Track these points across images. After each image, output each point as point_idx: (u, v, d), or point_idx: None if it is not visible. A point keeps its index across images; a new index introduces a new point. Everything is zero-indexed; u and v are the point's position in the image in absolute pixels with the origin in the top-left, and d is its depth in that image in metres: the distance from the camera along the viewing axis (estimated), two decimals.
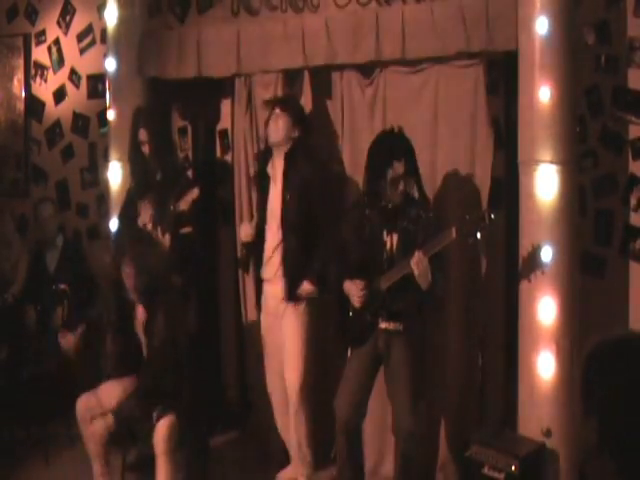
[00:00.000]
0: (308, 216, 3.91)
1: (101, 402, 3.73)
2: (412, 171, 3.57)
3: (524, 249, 3.54)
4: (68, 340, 3.85)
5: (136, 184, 4.32)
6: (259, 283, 4.23)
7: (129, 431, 3.78)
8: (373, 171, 3.59)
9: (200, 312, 4.85)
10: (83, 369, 4.50)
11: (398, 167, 3.50)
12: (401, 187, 3.52)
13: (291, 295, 3.95)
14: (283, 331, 4.03)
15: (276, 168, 4.03)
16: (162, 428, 3.55)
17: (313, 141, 4.11)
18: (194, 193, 3.98)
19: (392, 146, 3.57)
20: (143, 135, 4.17)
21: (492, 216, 3.37)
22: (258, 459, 4.46)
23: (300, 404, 3.99)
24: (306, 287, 3.96)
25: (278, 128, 3.96)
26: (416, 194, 3.66)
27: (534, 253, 3.48)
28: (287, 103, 4.06)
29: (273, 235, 4.02)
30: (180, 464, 3.68)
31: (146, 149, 4.17)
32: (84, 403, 3.73)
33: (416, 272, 3.41)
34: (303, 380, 3.97)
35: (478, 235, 3.38)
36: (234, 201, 4.64)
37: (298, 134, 3.97)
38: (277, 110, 3.98)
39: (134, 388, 3.73)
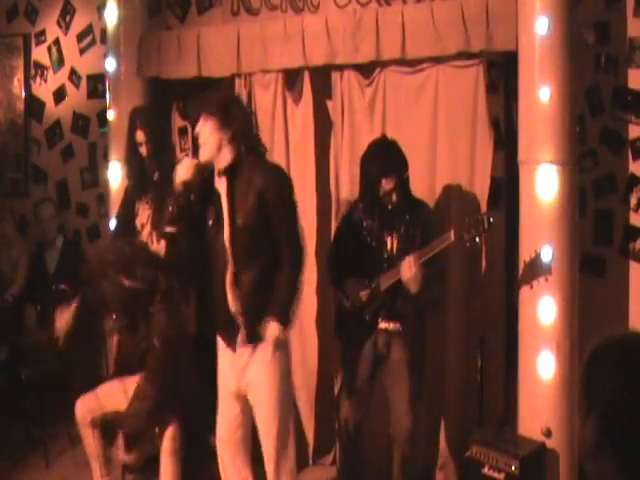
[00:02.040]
0: (266, 241, 3.20)
1: (101, 404, 3.72)
2: (404, 183, 3.55)
3: (526, 253, 3.53)
4: (63, 316, 3.80)
5: (133, 185, 4.31)
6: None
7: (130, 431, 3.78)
8: (365, 183, 3.59)
9: (198, 313, 4.85)
10: (83, 368, 4.51)
11: (387, 183, 3.49)
12: (393, 199, 3.52)
13: (253, 337, 3.24)
14: (249, 381, 3.30)
15: (220, 189, 3.26)
16: (169, 428, 3.56)
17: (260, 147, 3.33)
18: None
19: (382, 162, 3.52)
20: (140, 136, 4.14)
21: (491, 220, 3.36)
22: (258, 459, 4.45)
23: (280, 460, 3.36)
24: (272, 328, 3.21)
25: (205, 140, 3.20)
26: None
27: (537, 259, 3.47)
28: (214, 106, 3.24)
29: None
30: (184, 463, 3.68)
31: (143, 150, 4.15)
32: (84, 404, 3.72)
33: (404, 277, 3.40)
34: (281, 441, 3.32)
35: (477, 239, 3.38)
36: None
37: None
38: (202, 118, 3.21)
39: (142, 399, 3.68)
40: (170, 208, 3.47)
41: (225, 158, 3.18)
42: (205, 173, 3.28)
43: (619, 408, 1.34)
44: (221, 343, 3.42)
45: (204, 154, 3.21)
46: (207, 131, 3.17)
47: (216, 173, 3.25)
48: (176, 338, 3.67)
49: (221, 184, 3.23)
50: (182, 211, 3.32)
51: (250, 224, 3.14)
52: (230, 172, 3.19)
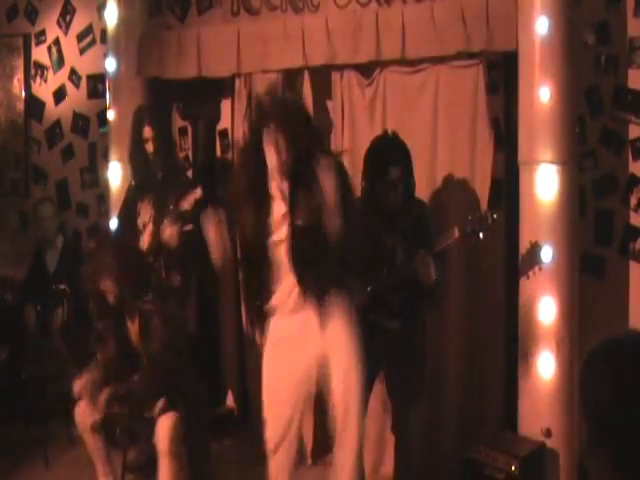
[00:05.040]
0: None
1: (99, 408, 3.72)
2: (409, 175, 3.56)
3: (523, 247, 3.55)
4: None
5: (136, 183, 4.31)
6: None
7: (130, 431, 3.78)
8: (370, 175, 3.59)
9: (200, 312, 4.86)
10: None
11: (394, 172, 3.49)
12: (399, 190, 3.52)
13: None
14: (326, 344, 3.16)
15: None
16: (164, 427, 3.55)
17: None
18: (197, 193, 3.97)
19: (388, 151, 3.55)
20: (148, 132, 4.15)
21: (494, 216, 3.37)
22: (258, 460, 4.45)
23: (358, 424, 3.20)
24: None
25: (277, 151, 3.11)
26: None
27: (532, 249, 3.49)
28: (280, 119, 3.12)
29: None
30: (182, 464, 3.67)
31: (150, 147, 4.15)
32: (82, 411, 3.73)
33: (421, 269, 3.39)
34: (362, 401, 3.20)
35: (481, 235, 3.38)
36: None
37: None
38: (268, 130, 3.11)
39: (128, 389, 3.70)
40: (189, 208, 3.56)
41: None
42: None
43: (609, 407, 1.34)
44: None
45: (278, 166, 3.09)
46: (278, 146, 3.06)
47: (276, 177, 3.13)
48: (173, 339, 3.67)
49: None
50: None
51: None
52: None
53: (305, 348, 3.17)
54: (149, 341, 3.65)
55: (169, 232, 3.93)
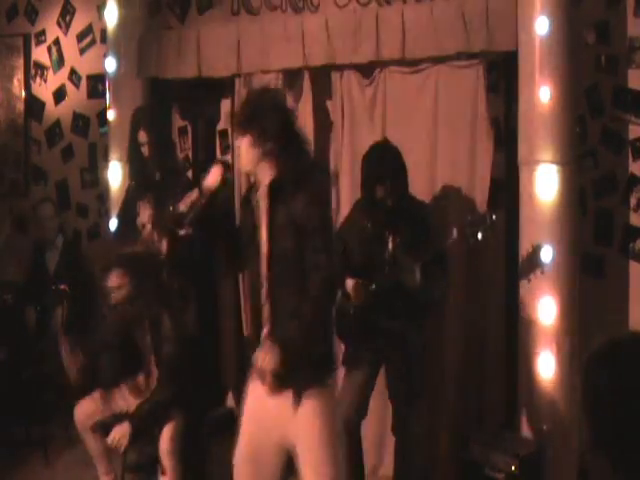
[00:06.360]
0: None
1: (100, 408, 3.72)
2: (399, 188, 3.54)
3: (524, 249, 3.54)
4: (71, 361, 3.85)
5: (135, 184, 4.31)
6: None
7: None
8: (364, 185, 3.60)
9: (200, 314, 4.84)
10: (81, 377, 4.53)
11: (380, 190, 3.49)
12: (388, 204, 3.52)
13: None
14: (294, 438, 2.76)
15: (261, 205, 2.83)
16: (168, 428, 3.55)
17: None
18: (193, 195, 3.96)
19: (376, 168, 3.52)
20: (143, 137, 4.15)
21: (494, 217, 3.38)
22: None
23: None
24: None
25: (243, 155, 2.83)
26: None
27: (534, 253, 3.49)
28: (244, 118, 2.80)
29: None
30: (184, 464, 3.68)
31: (146, 150, 4.16)
32: (82, 411, 3.73)
33: (404, 275, 3.41)
34: None
35: (479, 236, 3.39)
36: (234, 202, 4.64)
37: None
38: (236, 130, 2.88)
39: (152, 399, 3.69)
40: (186, 210, 3.52)
41: (266, 174, 2.76)
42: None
43: (610, 408, 1.34)
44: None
45: (244, 167, 2.91)
46: (243, 146, 2.78)
47: (260, 188, 2.83)
48: (184, 340, 3.67)
49: (263, 201, 2.79)
50: (199, 214, 3.09)
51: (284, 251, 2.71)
52: (274, 189, 2.74)
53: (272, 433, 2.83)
54: (160, 344, 3.64)
55: (163, 244, 3.94)
